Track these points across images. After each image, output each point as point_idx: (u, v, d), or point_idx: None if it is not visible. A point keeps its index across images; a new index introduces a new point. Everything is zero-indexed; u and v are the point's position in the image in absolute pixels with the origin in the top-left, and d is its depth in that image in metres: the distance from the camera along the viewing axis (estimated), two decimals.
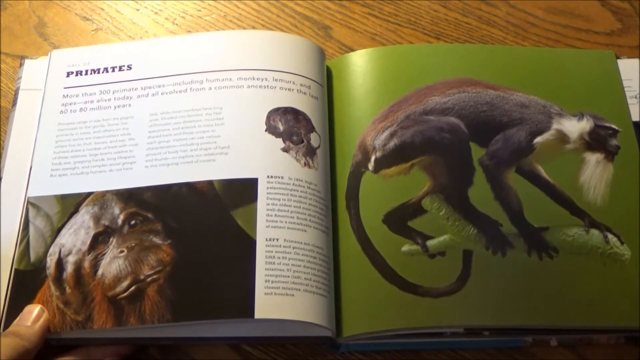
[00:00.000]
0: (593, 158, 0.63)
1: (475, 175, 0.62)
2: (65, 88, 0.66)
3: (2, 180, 0.62)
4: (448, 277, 0.58)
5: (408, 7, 0.76)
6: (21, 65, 0.68)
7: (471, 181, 0.62)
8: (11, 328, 0.55)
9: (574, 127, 0.64)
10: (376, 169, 0.62)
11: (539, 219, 0.61)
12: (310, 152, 0.61)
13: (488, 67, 0.68)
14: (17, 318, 0.55)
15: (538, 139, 0.63)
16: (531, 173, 0.62)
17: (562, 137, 0.63)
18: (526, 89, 0.66)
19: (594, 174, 0.62)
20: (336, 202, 0.62)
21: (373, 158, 0.62)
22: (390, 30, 0.75)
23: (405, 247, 0.59)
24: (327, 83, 0.67)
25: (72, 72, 0.67)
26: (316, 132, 0.63)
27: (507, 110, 0.64)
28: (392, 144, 0.62)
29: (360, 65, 0.67)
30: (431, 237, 0.60)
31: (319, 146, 0.62)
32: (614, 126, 0.64)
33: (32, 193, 0.61)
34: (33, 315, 0.55)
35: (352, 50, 0.72)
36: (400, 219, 0.60)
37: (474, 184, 0.62)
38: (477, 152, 0.63)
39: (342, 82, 0.67)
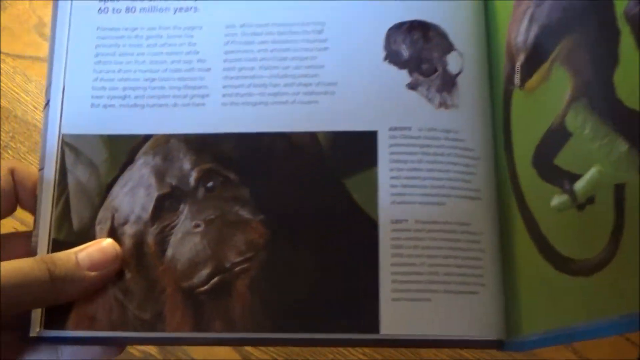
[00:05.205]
0: None
1: (620, 42, 0.37)
2: None
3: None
4: (599, 239, 0.39)
5: None
6: None
7: (616, 57, 0.37)
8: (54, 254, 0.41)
9: None
10: (522, 81, 0.44)
11: None
12: (447, 83, 0.44)
13: None
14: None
15: None
16: None
17: None
18: None
19: None
20: (497, 146, 0.45)
21: (518, 65, 0.44)
22: None
23: (555, 200, 0.41)
24: None
25: None
26: (456, 50, 0.46)
27: None
28: (532, 34, 0.43)
29: None
30: (578, 177, 0.40)
31: (460, 71, 0.45)
32: None
33: (67, 130, 0.45)
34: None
35: None
36: (547, 156, 0.42)
37: (620, 62, 0.37)
38: (622, 5, 0.38)
39: None
